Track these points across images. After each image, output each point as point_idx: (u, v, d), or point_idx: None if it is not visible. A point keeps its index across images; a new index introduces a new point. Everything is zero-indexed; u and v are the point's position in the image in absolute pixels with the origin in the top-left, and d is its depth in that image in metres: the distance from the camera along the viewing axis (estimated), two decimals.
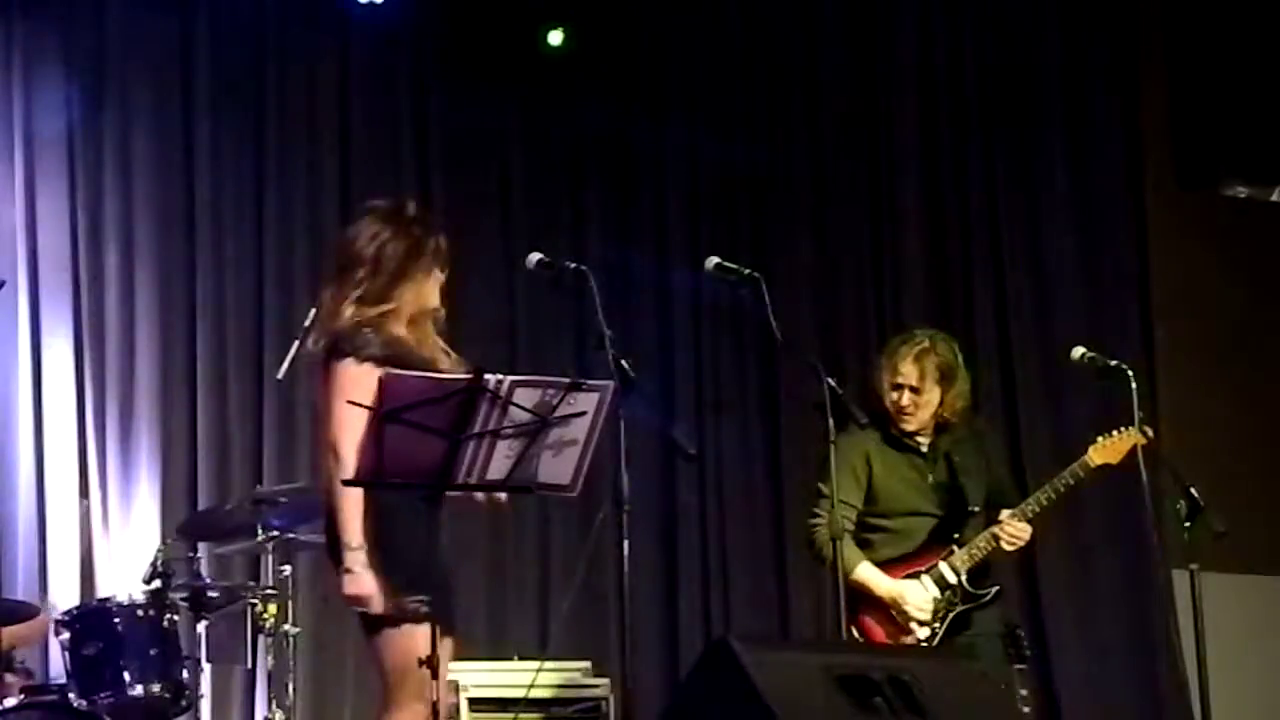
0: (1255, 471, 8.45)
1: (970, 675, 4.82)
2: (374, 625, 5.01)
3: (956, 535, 6.29)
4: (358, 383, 4.85)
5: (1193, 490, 6.06)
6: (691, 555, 8.70)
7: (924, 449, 6.38)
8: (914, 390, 6.29)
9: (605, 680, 7.45)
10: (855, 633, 6.26)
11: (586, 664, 7.54)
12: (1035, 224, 8.72)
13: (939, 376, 6.29)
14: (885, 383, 6.34)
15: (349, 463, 4.82)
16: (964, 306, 8.65)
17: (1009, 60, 8.77)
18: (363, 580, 4.94)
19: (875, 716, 4.37)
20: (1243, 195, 8.98)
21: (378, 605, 4.96)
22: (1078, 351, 6.33)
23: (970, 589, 6.27)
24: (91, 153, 8.10)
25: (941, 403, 6.32)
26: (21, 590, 7.44)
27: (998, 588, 6.34)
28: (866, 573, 6.25)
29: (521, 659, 7.56)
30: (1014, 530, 6.23)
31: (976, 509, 6.32)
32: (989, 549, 6.25)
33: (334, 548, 5.04)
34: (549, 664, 7.27)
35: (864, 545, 6.31)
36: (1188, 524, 6.02)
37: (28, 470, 7.77)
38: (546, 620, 8.44)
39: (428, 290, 5.18)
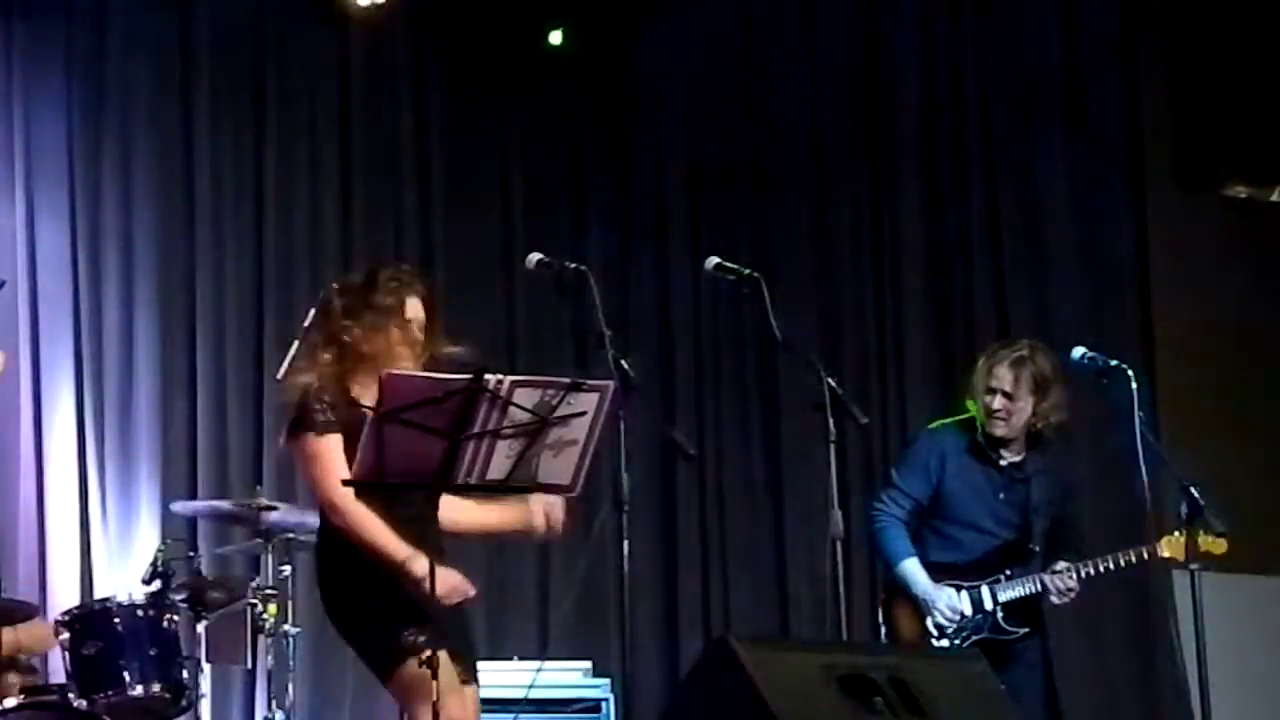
0: (1255, 472, 8.43)
1: (970, 675, 4.81)
2: (385, 669, 4.98)
3: (1008, 571, 6.34)
4: (323, 453, 4.93)
5: (1193, 490, 6.06)
6: (691, 555, 8.70)
7: (1005, 464, 6.41)
8: (1007, 396, 6.34)
9: (605, 680, 7.46)
10: (881, 618, 6.41)
11: (586, 664, 7.54)
12: (1035, 223, 8.70)
13: (1033, 386, 6.35)
14: (981, 386, 6.39)
15: (352, 511, 4.87)
16: (964, 306, 8.64)
17: (1009, 60, 8.76)
18: (448, 575, 4.93)
19: (875, 716, 4.37)
20: (1243, 195, 8.95)
21: (469, 587, 4.98)
22: (1078, 351, 6.33)
23: (1001, 623, 6.31)
24: (91, 153, 8.10)
25: (1034, 413, 6.36)
26: (22, 590, 7.44)
27: (1027, 630, 6.38)
28: (910, 568, 6.34)
29: (521, 659, 7.57)
30: (1062, 584, 6.29)
31: (1036, 548, 6.36)
32: (1034, 592, 6.32)
33: (343, 605, 5.05)
34: (549, 664, 7.27)
35: (917, 541, 6.39)
36: (1188, 524, 6.03)
37: (28, 471, 7.77)
38: (546, 620, 8.44)
39: (402, 324, 5.13)
